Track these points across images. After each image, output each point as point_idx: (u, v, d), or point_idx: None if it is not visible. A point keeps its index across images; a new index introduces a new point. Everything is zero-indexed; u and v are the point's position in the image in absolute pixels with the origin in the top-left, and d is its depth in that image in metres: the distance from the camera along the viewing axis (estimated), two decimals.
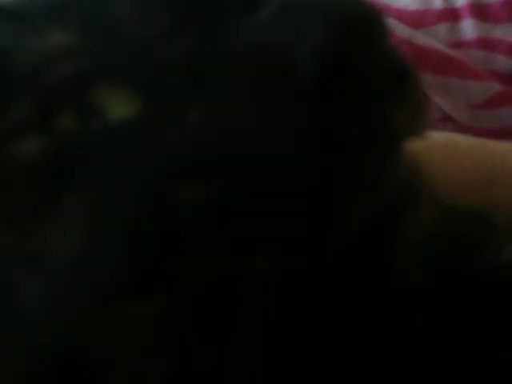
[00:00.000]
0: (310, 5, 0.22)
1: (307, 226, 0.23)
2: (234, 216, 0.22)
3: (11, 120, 0.24)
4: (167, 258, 0.22)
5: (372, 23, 0.22)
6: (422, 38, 0.64)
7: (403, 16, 0.67)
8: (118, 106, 0.24)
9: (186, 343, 0.23)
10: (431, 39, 0.65)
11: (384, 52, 0.23)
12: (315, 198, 0.22)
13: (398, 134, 0.24)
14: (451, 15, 0.65)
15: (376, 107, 0.22)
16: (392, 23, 0.65)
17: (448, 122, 0.63)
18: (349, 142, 0.22)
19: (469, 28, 0.64)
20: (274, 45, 0.22)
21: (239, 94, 0.22)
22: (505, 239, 0.34)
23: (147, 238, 0.22)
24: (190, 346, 0.23)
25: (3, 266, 0.24)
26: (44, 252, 0.23)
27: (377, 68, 0.22)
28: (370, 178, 0.23)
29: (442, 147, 0.48)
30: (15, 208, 0.24)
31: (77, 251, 0.23)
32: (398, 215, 0.25)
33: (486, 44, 0.64)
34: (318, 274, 0.24)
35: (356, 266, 0.25)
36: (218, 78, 0.23)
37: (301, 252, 0.23)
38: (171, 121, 0.23)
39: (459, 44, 0.64)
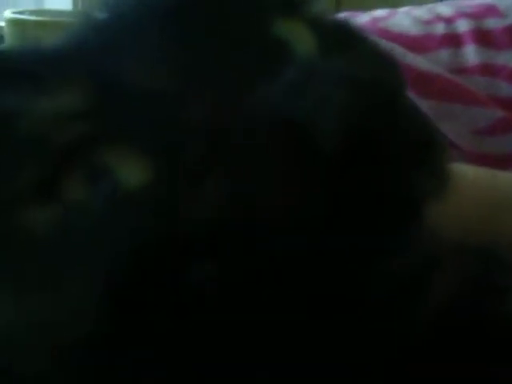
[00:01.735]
0: (330, 71, 0.22)
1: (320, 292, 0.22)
2: (245, 287, 0.22)
3: (18, 186, 0.23)
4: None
5: (396, 90, 0.22)
6: (424, 64, 0.64)
7: (404, 41, 0.67)
8: (129, 172, 0.23)
9: None
10: (433, 64, 0.65)
11: (409, 119, 0.22)
12: (332, 267, 0.21)
13: (422, 201, 0.23)
14: (453, 41, 0.65)
15: (400, 177, 0.22)
16: (395, 48, 0.64)
17: (452, 148, 0.63)
18: (371, 211, 0.22)
19: (471, 54, 0.64)
20: (295, 112, 0.21)
21: (258, 162, 0.21)
22: None
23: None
24: None
25: None
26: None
27: (402, 136, 0.22)
28: (392, 246, 0.22)
29: None
30: (19, 277, 0.23)
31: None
32: (421, 280, 0.25)
33: (488, 70, 0.64)
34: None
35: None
36: (235, 145, 0.22)
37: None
38: (185, 188, 0.22)
39: (461, 70, 0.64)
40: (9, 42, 0.80)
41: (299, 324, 0.22)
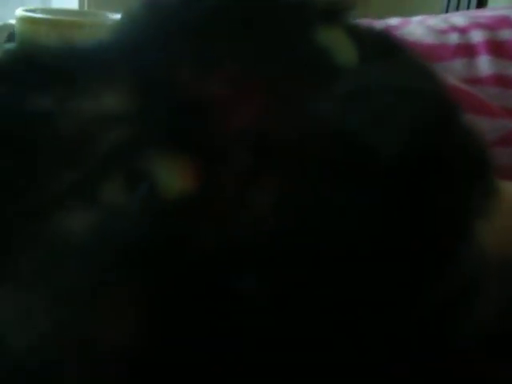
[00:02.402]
0: (382, 82, 0.21)
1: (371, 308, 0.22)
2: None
3: (57, 189, 0.22)
4: None
5: (449, 100, 0.22)
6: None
7: (418, 50, 0.67)
8: (171, 177, 0.22)
9: None
10: (446, 74, 0.65)
11: (465, 133, 0.22)
12: (384, 282, 0.21)
13: (475, 219, 0.23)
14: (467, 51, 0.65)
15: (458, 193, 0.22)
16: None
17: None
18: (427, 229, 0.21)
19: (485, 64, 0.64)
20: (352, 125, 0.20)
21: (308, 174, 0.21)
22: None
23: None
24: None
25: None
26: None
27: (460, 151, 0.21)
28: (446, 265, 0.22)
29: None
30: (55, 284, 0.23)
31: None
32: (469, 297, 0.25)
33: (502, 81, 0.64)
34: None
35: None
36: (285, 154, 0.21)
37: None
38: (230, 197, 0.21)
39: (475, 80, 0.64)
40: (20, 40, 0.80)
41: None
